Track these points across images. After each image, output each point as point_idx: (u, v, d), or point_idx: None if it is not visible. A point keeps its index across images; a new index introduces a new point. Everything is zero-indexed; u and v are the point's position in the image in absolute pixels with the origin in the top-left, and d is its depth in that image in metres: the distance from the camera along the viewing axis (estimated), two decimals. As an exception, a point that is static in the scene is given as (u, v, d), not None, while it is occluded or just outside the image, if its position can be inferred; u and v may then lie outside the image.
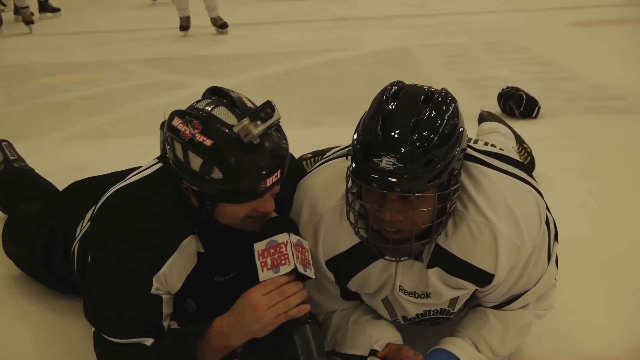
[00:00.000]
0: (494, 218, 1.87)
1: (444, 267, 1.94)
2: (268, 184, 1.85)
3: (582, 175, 3.64)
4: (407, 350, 1.99)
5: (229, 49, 7.38)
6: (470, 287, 1.99)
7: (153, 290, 1.97)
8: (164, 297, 2.00)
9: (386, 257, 1.91)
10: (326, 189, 2.01)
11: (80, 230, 2.34)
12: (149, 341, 1.96)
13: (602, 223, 3.14)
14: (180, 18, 7.99)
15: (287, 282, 1.86)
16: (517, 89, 4.49)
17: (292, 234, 1.90)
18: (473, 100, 4.41)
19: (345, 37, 7.69)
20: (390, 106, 1.78)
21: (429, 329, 2.23)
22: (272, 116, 1.79)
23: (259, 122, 1.78)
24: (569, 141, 4.13)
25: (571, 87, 5.24)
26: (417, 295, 2.02)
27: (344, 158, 1.98)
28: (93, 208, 2.22)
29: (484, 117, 3.50)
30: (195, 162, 1.82)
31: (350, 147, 1.81)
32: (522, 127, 3.62)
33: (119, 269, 1.95)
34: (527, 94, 4.47)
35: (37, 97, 5.66)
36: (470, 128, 2.11)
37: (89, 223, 2.27)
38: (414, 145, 1.71)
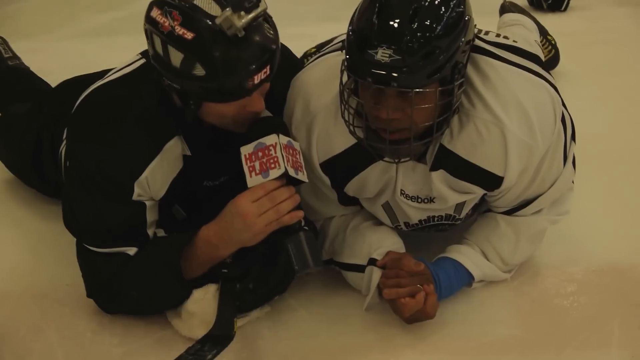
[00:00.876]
0: (503, 116, 1.73)
1: (449, 169, 1.83)
2: (256, 81, 1.70)
3: (612, 71, 3.44)
4: (408, 259, 1.90)
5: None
6: (478, 192, 1.88)
7: (135, 197, 1.85)
8: (147, 203, 1.89)
9: (385, 159, 1.78)
10: (320, 85, 1.88)
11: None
12: (132, 250, 1.87)
13: (627, 121, 2.98)
14: None
15: (278, 187, 1.74)
16: (546, -21, 4.25)
17: (281, 135, 1.77)
18: None
19: None
20: None
21: (434, 235, 2.14)
22: (257, 6, 1.63)
23: (242, 13, 1.61)
24: (600, 35, 3.90)
25: (604, -23, 4.95)
26: (420, 200, 1.92)
27: (341, 51, 1.83)
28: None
29: (505, 7, 3.32)
30: (176, 57, 1.67)
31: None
32: (550, 20, 3.44)
33: (98, 175, 1.83)
34: (556, -15, 4.23)
35: (48, -8, 5.52)
36: (492, 22, 1.94)
37: None
38: (412, 35, 1.57)
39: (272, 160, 1.73)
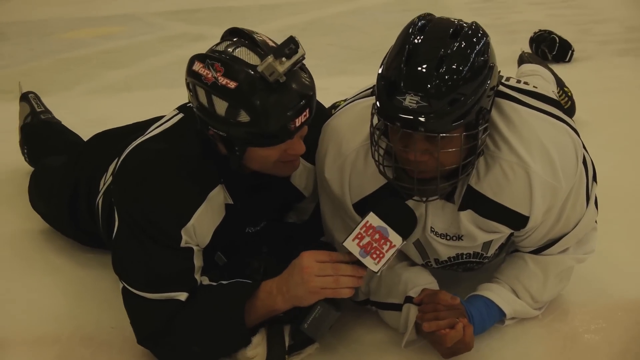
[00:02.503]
0: (527, 157, 1.79)
1: (477, 209, 1.88)
2: (297, 124, 1.78)
3: (616, 118, 3.55)
4: (444, 294, 1.94)
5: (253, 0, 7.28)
6: (505, 231, 1.93)
7: (183, 244, 1.91)
8: (195, 249, 1.95)
9: (414, 198, 1.84)
10: (351, 130, 1.95)
11: (104, 184, 2.30)
12: (182, 296, 1.90)
13: (638, 166, 3.07)
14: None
15: (344, 262, 1.80)
16: (550, 32, 4.38)
17: (404, 241, 1.80)
18: (503, 46, 4.18)
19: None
20: (416, 40, 1.70)
21: (462, 275, 2.19)
22: (296, 52, 1.72)
23: (283, 59, 1.70)
24: (604, 84, 4.04)
25: (605, 30, 5.10)
26: (449, 238, 1.97)
27: (369, 97, 1.94)
28: (115, 161, 2.17)
29: (524, 58, 3.42)
30: (221, 106, 1.76)
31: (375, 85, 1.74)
32: (556, 70, 3.51)
33: (146, 224, 1.89)
34: (560, 37, 4.36)
35: (60, 52, 5.62)
36: (507, 73, 2.04)
37: (112, 177, 2.22)
38: (439, 81, 1.63)
39: (378, 252, 1.77)
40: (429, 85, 1.63)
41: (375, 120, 1.77)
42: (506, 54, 3.62)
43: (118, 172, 2.02)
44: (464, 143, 1.70)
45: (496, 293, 2.03)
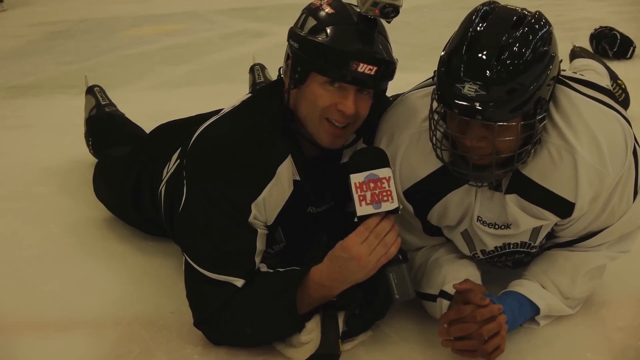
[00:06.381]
0: (575, 142, 1.79)
1: (523, 193, 1.88)
2: (359, 69, 1.84)
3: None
4: (474, 294, 1.88)
5: (313, -3, 7.33)
6: (551, 218, 1.91)
7: (251, 219, 1.95)
8: (259, 230, 1.99)
9: (469, 183, 1.86)
10: (404, 120, 1.98)
11: (167, 173, 2.36)
12: (239, 282, 1.95)
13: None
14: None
15: (379, 223, 1.81)
16: (611, 29, 4.36)
17: (390, 167, 1.84)
18: (563, 43, 4.14)
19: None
20: (478, 28, 1.72)
21: (507, 274, 2.16)
22: None
23: None
24: (666, 81, 3.95)
25: (668, 26, 5.03)
26: (496, 227, 1.96)
27: (427, 87, 1.97)
28: (182, 148, 2.24)
29: (575, 53, 3.40)
30: (309, 24, 1.91)
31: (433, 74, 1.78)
32: (616, 68, 3.49)
33: (219, 196, 1.94)
34: (621, 34, 4.32)
35: (124, 49, 5.77)
36: (563, 68, 2.04)
37: (175, 165, 2.29)
38: (498, 71, 1.65)
39: (385, 193, 1.79)
40: (488, 74, 1.65)
41: (435, 105, 1.79)
42: (567, 51, 3.59)
43: (191, 149, 2.06)
44: (520, 132, 1.71)
45: (528, 288, 2.01)
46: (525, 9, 1.78)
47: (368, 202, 1.79)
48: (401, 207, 1.82)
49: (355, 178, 1.80)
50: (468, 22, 1.75)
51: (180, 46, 5.74)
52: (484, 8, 1.77)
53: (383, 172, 1.80)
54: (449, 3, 6.22)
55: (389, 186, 1.79)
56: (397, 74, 1.93)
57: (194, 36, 6.03)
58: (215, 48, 5.54)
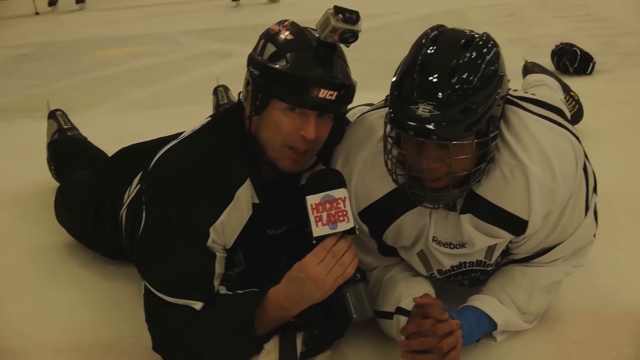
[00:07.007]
0: (526, 160, 1.81)
1: (477, 213, 1.89)
2: (320, 95, 1.84)
3: (637, 130, 3.55)
4: (433, 309, 1.88)
5: (280, 18, 7.32)
6: (505, 236, 1.93)
7: (209, 243, 1.96)
8: (218, 254, 1.99)
9: (425, 204, 1.87)
10: (360, 140, 1.99)
11: (128, 197, 2.36)
12: (198, 305, 1.95)
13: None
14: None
15: (336, 243, 1.81)
16: (571, 45, 4.42)
17: (346, 187, 1.84)
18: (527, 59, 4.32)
19: (397, 0, 7.59)
20: (428, 51, 1.74)
21: (465, 291, 2.17)
22: (355, 22, 1.80)
23: (340, 16, 1.78)
24: (624, 97, 4.05)
25: (628, 42, 5.13)
26: (452, 246, 1.98)
27: (379, 111, 1.98)
28: (142, 172, 2.24)
29: (528, 68, 3.41)
30: (269, 50, 1.90)
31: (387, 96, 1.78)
32: (577, 82, 3.56)
33: (176, 220, 1.93)
34: (581, 50, 4.39)
35: (90, 71, 5.76)
36: (516, 85, 2.06)
37: (136, 189, 2.29)
38: (451, 91, 1.67)
39: (340, 214, 1.80)
40: (441, 95, 1.67)
41: (389, 129, 1.81)
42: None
43: (150, 171, 2.07)
44: (475, 150, 1.73)
45: (485, 303, 2.03)
46: (472, 31, 1.81)
47: (324, 222, 1.80)
48: (357, 227, 1.83)
49: (311, 199, 1.81)
50: (418, 45, 1.77)
51: (147, 68, 5.74)
52: (433, 32, 1.80)
53: (339, 193, 1.81)
54: (415, 22, 6.29)
55: (344, 206, 1.80)
56: (363, 93, 1.95)
57: (161, 57, 6.04)
58: (182, 69, 5.55)
